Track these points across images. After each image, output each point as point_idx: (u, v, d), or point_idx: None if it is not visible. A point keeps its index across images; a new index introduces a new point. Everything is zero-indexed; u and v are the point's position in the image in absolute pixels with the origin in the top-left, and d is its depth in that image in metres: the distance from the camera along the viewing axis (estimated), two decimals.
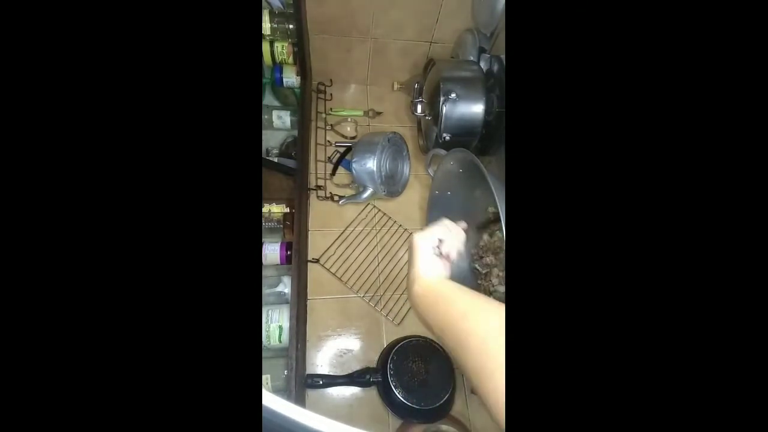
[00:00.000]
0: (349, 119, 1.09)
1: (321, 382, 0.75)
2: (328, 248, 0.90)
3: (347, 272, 0.88)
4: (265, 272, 0.84)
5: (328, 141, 1.04)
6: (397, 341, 0.79)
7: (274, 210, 0.86)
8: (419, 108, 0.88)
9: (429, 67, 1.02)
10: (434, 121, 0.86)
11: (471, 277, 0.85)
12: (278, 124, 0.99)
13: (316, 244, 0.91)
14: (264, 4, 0.91)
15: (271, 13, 0.90)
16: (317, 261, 0.88)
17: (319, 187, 0.97)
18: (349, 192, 0.98)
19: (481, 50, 0.89)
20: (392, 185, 0.97)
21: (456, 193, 0.85)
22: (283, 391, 0.68)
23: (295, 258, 0.78)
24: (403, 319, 0.85)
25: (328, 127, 1.06)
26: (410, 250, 0.47)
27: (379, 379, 0.75)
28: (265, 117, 0.98)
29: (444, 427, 0.70)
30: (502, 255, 0.78)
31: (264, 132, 1.00)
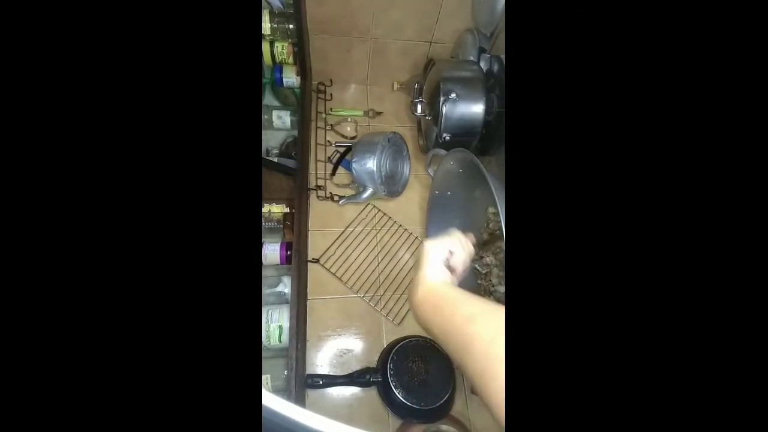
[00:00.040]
0: (349, 119, 1.09)
1: (321, 382, 0.75)
2: (328, 248, 0.90)
3: (347, 272, 0.88)
4: (265, 272, 0.84)
5: (328, 141, 1.04)
6: (397, 341, 0.79)
7: (274, 210, 0.86)
8: (419, 108, 0.88)
9: (429, 67, 1.02)
10: (434, 121, 0.86)
11: (471, 276, 0.85)
12: (278, 124, 0.99)
13: (316, 244, 0.91)
14: (264, 4, 0.91)
15: (271, 13, 0.90)
16: (317, 261, 0.88)
17: (319, 187, 0.97)
18: (349, 192, 0.98)
19: (481, 50, 0.89)
20: (392, 185, 0.97)
21: (456, 193, 0.85)
22: (283, 391, 0.68)
23: (295, 258, 0.78)
24: (403, 319, 0.85)
25: (328, 127, 1.06)
26: (419, 255, 0.47)
27: (379, 379, 0.75)
28: (265, 117, 0.98)
29: (444, 427, 0.70)
30: (502, 255, 0.78)
31: (264, 132, 1.00)
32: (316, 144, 1.02)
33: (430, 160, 0.89)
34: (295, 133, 0.98)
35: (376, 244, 0.93)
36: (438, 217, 0.88)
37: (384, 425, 0.76)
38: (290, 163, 0.96)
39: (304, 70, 0.98)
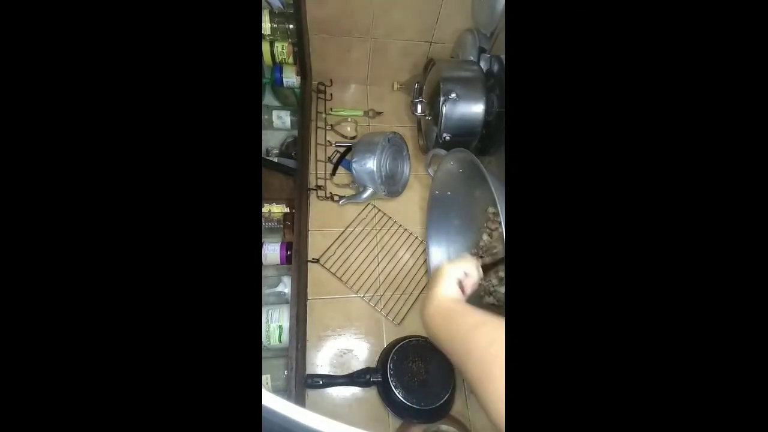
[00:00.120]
0: (349, 119, 1.09)
1: (321, 382, 0.75)
2: (328, 248, 0.90)
3: (347, 272, 0.88)
4: (265, 272, 0.84)
5: (328, 141, 1.04)
6: (397, 341, 0.79)
7: (274, 210, 0.86)
8: (419, 108, 0.88)
9: (429, 67, 1.02)
10: (434, 121, 0.86)
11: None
12: (278, 124, 0.99)
13: (316, 244, 0.91)
14: (264, 4, 0.91)
15: (271, 13, 0.90)
16: (317, 261, 0.88)
17: (319, 187, 0.97)
18: (349, 192, 0.98)
19: (481, 50, 0.89)
20: (392, 185, 0.97)
21: (456, 193, 0.85)
22: (283, 391, 0.68)
23: (295, 258, 0.78)
24: (403, 319, 0.85)
25: (328, 127, 1.06)
26: (436, 273, 0.52)
27: (379, 379, 0.75)
28: (265, 117, 0.98)
29: (444, 427, 0.70)
30: (501, 249, 0.78)
31: (264, 132, 1.00)
32: (316, 144, 1.02)
33: (430, 160, 0.89)
34: (295, 133, 0.98)
35: (376, 244, 0.93)
36: (438, 217, 0.88)
37: (384, 425, 0.76)
38: (290, 163, 0.96)
39: (304, 70, 0.98)
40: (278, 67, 0.98)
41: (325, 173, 0.99)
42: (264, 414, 0.28)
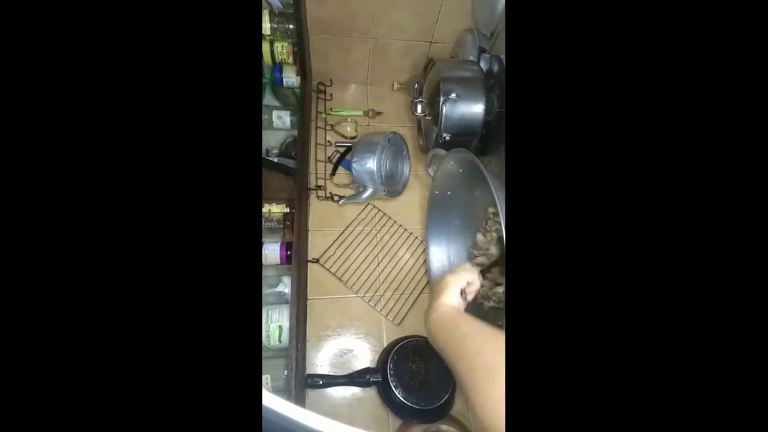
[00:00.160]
0: (349, 119, 1.09)
1: (321, 382, 0.75)
2: (328, 248, 0.90)
3: (347, 272, 0.88)
4: (265, 272, 0.84)
5: (328, 141, 1.04)
6: (397, 341, 0.79)
7: (274, 210, 0.86)
8: (419, 108, 0.88)
9: (429, 67, 1.02)
10: (434, 121, 0.86)
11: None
12: (278, 124, 0.99)
13: (316, 244, 0.91)
14: (264, 4, 0.90)
15: (271, 13, 0.90)
16: (317, 261, 0.88)
17: (319, 187, 0.97)
18: (349, 192, 0.98)
19: (481, 50, 0.89)
20: (392, 185, 0.97)
21: (456, 193, 0.85)
22: (283, 391, 0.68)
23: (295, 258, 0.78)
24: (403, 319, 0.85)
25: (328, 127, 1.06)
26: (441, 283, 0.56)
27: (379, 379, 0.75)
28: (265, 117, 0.98)
29: (444, 427, 0.70)
30: (493, 252, 0.78)
31: (264, 132, 1.00)
32: (316, 144, 1.02)
33: (430, 160, 0.89)
34: (295, 133, 0.98)
35: (376, 244, 0.93)
36: (438, 217, 0.88)
37: (384, 425, 0.76)
38: (290, 163, 0.96)
39: (304, 70, 0.98)
40: (278, 67, 0.98)
41: (325, 173, 0.99)
42: (264, 414, 0.28)
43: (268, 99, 1.06)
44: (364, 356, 0.81)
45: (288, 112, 0.99)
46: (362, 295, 0.87)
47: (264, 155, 0.98)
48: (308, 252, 0.88)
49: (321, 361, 0.80)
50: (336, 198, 0.96)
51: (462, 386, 0.41)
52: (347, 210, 0.96)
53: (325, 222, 0.94)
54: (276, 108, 1.01)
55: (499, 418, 0.33)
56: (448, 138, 0.82)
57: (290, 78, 0.98)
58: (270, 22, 0.90)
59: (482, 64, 0.87)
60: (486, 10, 0.84)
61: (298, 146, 0.93)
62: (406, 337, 0.80)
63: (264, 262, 0.82)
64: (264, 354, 0.74)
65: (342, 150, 1.02)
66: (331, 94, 1.11)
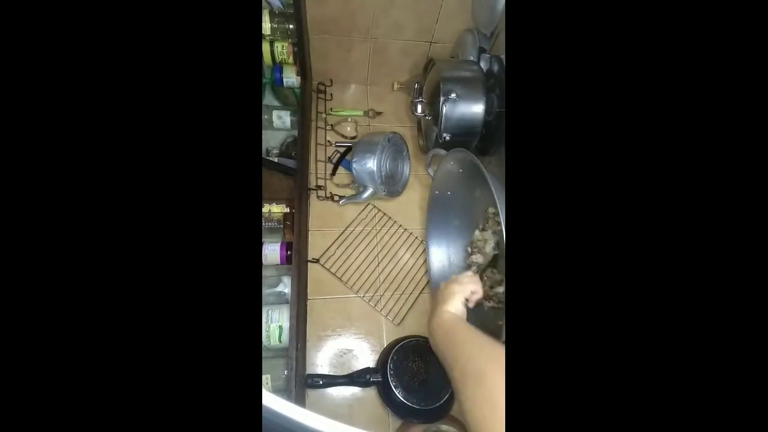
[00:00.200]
0: (349, 119, 1.09)
1: (321, 382, 0.75)
2: (328, 248, 0.90)
3: (347, 272, 0.88)
4: (265, 272, 0.84)
5: (328, 141, 1.04)
6: (397, 341, 0.79)
7: (274, 210, 0.86)
8: (419, 108, 0.88)
9: (429, 67, 1.02)
10: (434, 121, 0.86)
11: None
12: (278, 124, 0.99)
13: (316, 244, 0.91)
14: (264, 4, 0.90)
15: (271, 13, 0.90)
16: (317, 261, 0.88)
17: (319, 187, 0.97)
18: (349, 192, 0.98)
19: (481, 50, 0.89)
20: (392, 185, 0.97)
21: (456, 193, 0.85)
22: (283, 391, 0.68)
23: (295, 258, 0.78)
24: (403, 319, 0.85)
25: (328, 127, 1.06)
26: (447, 291, 0.59)
27: (379, 379, 0.75)
28: (265, 117, 0.98)
29: (444, 427, 0.70)
30: (490, 250, 0.78)
31: (264, 132, 1.00)
32: (316, 144, 1.02)
33: (430, 160, 0.89)
34: (295, 133, 0.98)
35: (376, 244, 0.93)
36: (438, 217, 0.88)
37: (384, 425, 0.76)
38: (290, 163, 0.96)
39: (304, 70, 0.98)
40: (278, 67, 0.98)
41: (325, 173, 0.99)
42: (264, 414, 0.28)
43: (268, 99, 1.06)
44: (364, 356, 0.81)
45: (288, 112, 0.99)
46: (362, 295, 0.87)
47: (264, 155, 0.98)
48: (308, 252, 0.88)
49: (321, 361, 0.80)
50: (336, 198, 0.96)
51: (454, 389, 0.43)
52: (347, 210, 0.96)
53: (325, 222, 0.94)
54: (276, 108, 1.00)
55: (483, 420, 0.36)
56: (448, 138, 0.82)
57: (290, 78, 0.98)
58: (270, 22, 0.90)
59: (482, 64, 0.87)
60: (486, 10, 0.84)
61: (298, 146, 0.93)
62: (406, 337, 0.80)
63: (264, 262, 0.82)
64: (264, 354, 0.74)
65: (342, 150, 1.02)
66: (331, 94, 1.11)
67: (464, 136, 0.84)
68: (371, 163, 0.91)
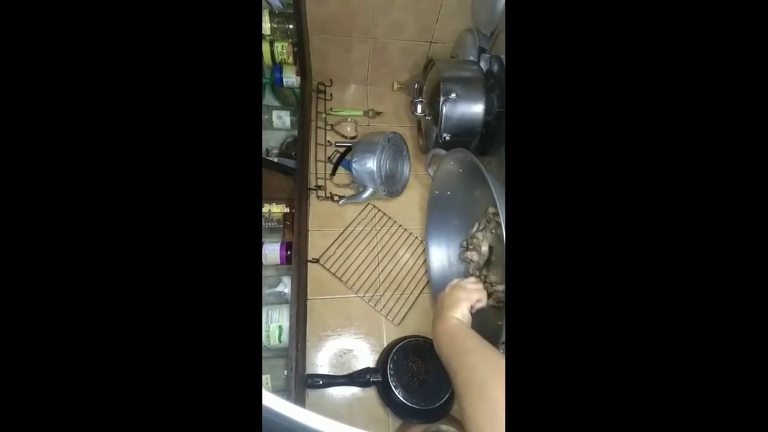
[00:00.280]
0: (349, 119, 1.09)
1: (321, 382, 0.75)
2: (328, 248, 0.90)
3: (347, 272, 0.88)
4: (265, 272, 0.84)
5: (328, 141, 1.04)
6: (397, 341, 0.79)
7: (274, 210, 0.86)
8: (419, 108, 0.88)
9: (429, 67, 1.02)
10: (434, 121, 0.86)
11: (464, 271, 0.85)
12: (278, 124, 0.99)
13: (316, 244, 0.91)
14: (264, 4, 0.90)
15: (271, 13, 0.90)
16: (317, 261, 0.88)
17: (319, 187, 0.97)
18: (349, 192, 0.98)
19: (481, 50, 0.89)
20: (392, 185, 0.97)
21: (456, 193, 0.85)
22: (283, 391, 0.68)
23: (295, 258, 0.78)
24: (403, 319, 0.85)
25: (328, 127, 1.06)
26: (452, 297, 0.60)
27: (379, 379, 0.75)
28: (265, 117, 0.98)
29: (444, 427, 0.69)
30: (486, 250, 0.79)
31: (264, 132, 1.00)
32: (316, 144, 1.02)
33: (430, 160, 0.89)
34: (295, 133, 0.98)
35: (376, 244, 0.93)
36: (438, 217, 0.88)
37: (384, 425, 0.76)
38: (290, 163, 0.96)
39: (304, 70, 0.98)
40: (278, 67, 0.98)
41: (325, 173, 0.99)
42: (264, 414, 0.28)
43: (268, 99, 1.06)
44: (364, 356, 0.81)
45: (288, 112, 0.99)
46: (362, 295, 0.87)
47: (264, 155, 0.98)
48: (308, 252, 0.88)
49: (321, 361, 0.80)
50: (336, 198, 0.96)
51: (456, 395, 0.45)
52: (347, 210, 0.96)
53: (325, 222, 0.94)
54: (276, 108, 1.00)
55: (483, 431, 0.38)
56: (448, 138, 0.82)
57: (290, 78, 0.98)
58: (270, 22, 0.90)
59: (482, 64, 0.87)
60: (486, 10, 0.84)
61: (298, 146, 0.93)
62: (406, 337, 0.80)
63: (264, 262, 0.82)
64: (264, 354, 0.74)
65: (342, 150, 1.02)
66: (331, 94, 1.11)
67: (464, 136, 0.84)
68: (371, 163, 0.91)
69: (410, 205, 1.00)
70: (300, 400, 0.71)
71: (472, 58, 0.91)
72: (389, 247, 0.93)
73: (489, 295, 0.75)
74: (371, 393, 0.77)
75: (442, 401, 0.73)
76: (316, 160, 1.00)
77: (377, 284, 0.89)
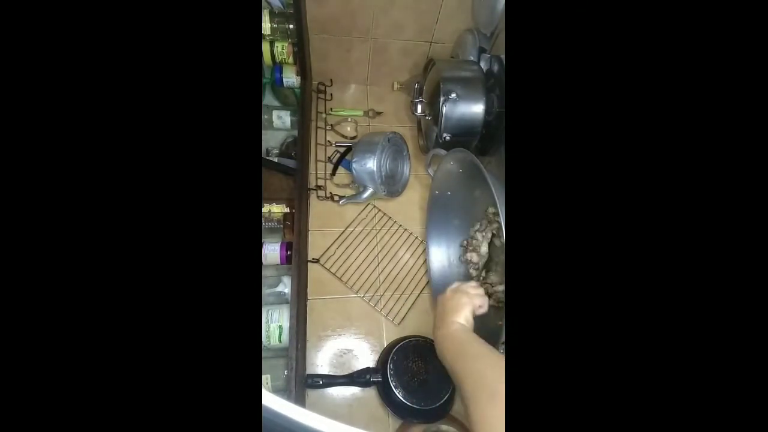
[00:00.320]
0: (349, 119, 1.09)
1: (321, 382, 0.75)
2: (328, 248, 0.90)
3: (347, 272, 0.88)
4: (265, 272, 0.84)
5: (328, 141, 1.04)
6: (397, 341, 0.79)
7: (274, 210, 0.86)
8: (419, 108, 0.88)
9: (429, 67, 1.02)
10: (434, 121, 0.86)
11: (464, 272, 0.85)
12: (278, 124, 0.99)
13: (316, 244, 0.91)
14: (264, 4, 0.90)
15: (271, 13, 0.90)
16: (317, 261, 0.88)
17: (319, 187, 0.97)
18: (349, 192, 0.98)
19: (481, 50, 0.89)
20: (392, 185, 0.97)
21: (456, 193, 0.85)
22: (283, 391, 0.68)
23: (295, 258, 0.78)
24: (403, 319, 0.85)
25: (328, 127, 1.06)
26: (454, 301, 0.60)
27: (379, 379, 0.75)
28: (265, 117, 0.98)
29: (444, 427, 0.69)
30: (485, 250, 0.79)
31: (264, 132, 1.00)
32: (316, 144, 1.02)
33: (430, 160, 0.89)
34: (295, 133, 0.98)
35: (376, 244, 0.93)
36: (438, 217, 0.88)
37: (384, 425, 0.76)
38: (290, 163, 0.96)
39: (304, 70, 0.98)
40: (278, 67, 0.98)
41: (325, 173, 0.99)
42: (264, 414, 0.28)
43: (268, 99, 1.06)
44: (364, 356, 0.81)
45: (288, 112, 0.99)
46: (362, 295, 0.87)
47: (264, 155, 0.98)
48: (308, 252, 0.88)
49: (321, 361, 0.80)
50: (336, 198, 0.96)
51: (464, 400, 0.45)
52: (347, 210, 0.96)
53: (325, 222, 0.94)
54: (276, 108, 1.00)
55: None
56: (448, 138, 0.82)
57: (290, 78, 0.98)
58: (270, 22, 0.90)
59: (482, 64, 0.87)
60: (486, 10, 0.84)
61: (298, 146, 0.93)
62: (406, 337, 0.80)
63: (264, 262, 0.82)
64: (264, 354, 0.74)
65: (342, 150, 1.02)
66: (331, 94, 1.11)
67: (464, 136, 0.84)
68: (371, 163, 0.91)
69: (410, 205, 1.00)
70: (300, 400, 0.71)
71: (472, 58, 0.91)
72: (389, 247, 0.93)
73: (489, 296, 0.75)
74: (371, 393, 0.77)
75: (442, 401, 0.73)
76: (316, 160, 1.00)
77: (377, 284, 0.89)
